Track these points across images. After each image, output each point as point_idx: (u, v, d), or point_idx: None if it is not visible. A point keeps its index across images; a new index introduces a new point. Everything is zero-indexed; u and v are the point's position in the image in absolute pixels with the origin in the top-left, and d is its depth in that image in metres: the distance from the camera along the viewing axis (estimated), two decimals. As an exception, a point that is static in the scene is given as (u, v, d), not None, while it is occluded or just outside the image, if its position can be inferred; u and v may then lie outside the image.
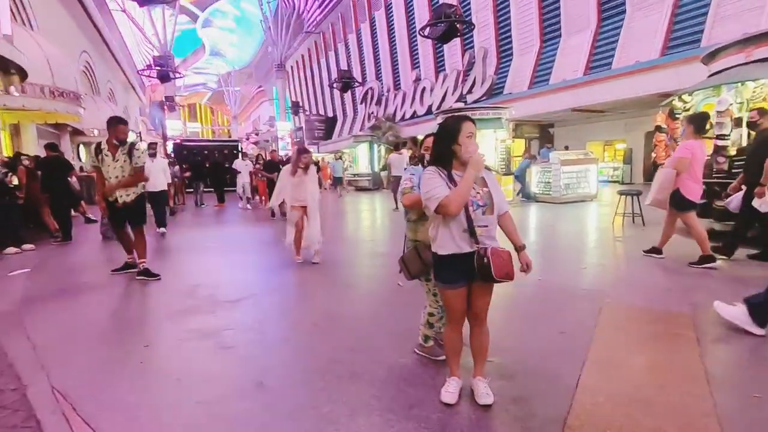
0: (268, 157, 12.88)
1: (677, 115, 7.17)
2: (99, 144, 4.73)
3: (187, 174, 14.18)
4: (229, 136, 56.84)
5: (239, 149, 21.96)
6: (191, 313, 3.70)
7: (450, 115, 2.16)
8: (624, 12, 14.16)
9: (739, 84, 5.95)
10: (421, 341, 2.77)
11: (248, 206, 12.62)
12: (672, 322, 3.20)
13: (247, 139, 39.23)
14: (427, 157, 2.63)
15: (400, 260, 2.66)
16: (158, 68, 21.20)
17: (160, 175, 8.03)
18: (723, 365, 2.56)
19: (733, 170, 5.66)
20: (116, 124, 4.68)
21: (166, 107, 29.44)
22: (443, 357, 2.66)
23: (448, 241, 2.06)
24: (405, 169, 2.75)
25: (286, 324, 3.41)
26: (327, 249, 6.08)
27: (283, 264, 5.66)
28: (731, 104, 5.97)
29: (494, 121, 11.31)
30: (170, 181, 8.62)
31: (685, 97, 6.85)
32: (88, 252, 6.88)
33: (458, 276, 2.10)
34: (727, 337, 2.94)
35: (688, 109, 6.96)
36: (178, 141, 23.12)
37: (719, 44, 6.55)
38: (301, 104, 38.02)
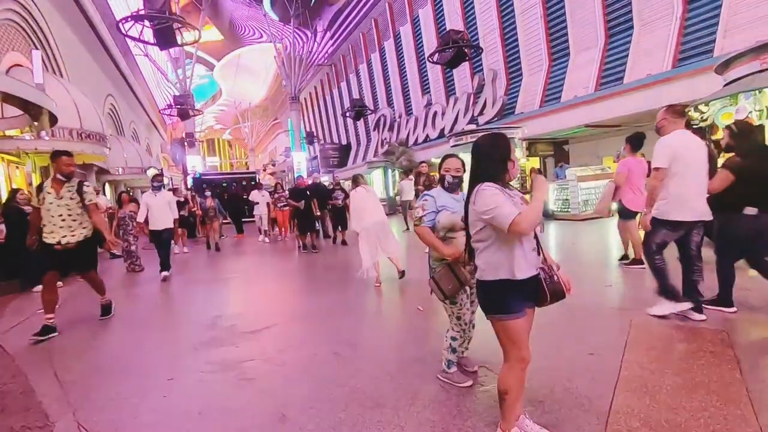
0: (286, 186, 12.59)
1: (694, 126, 7.06)
2: (41, 183, 4.34)
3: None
4: (247, 168, 58.25)
5: (257, 180, 22.39)
6: (213, 344, 3.71)
7: (491, 133, 2.05)
8: (632, 27, 14.21)
9: (757, 92, 5.85)
10: (444, 367, 2.70)
11: (266, 239, 11.97)
12: (707, 340, 3.06)
13: (264, 170, 40.10)
14: (449, 178, 2.63)
15: (431, 280, 2.54)
16: (178, 107, 22.08)
17: (165, 211, 7.09)
18: (767, 384, 2.41)
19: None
20: (59, 156, 4.23)
21: (186, 143, 30.46)
22: (468, 383, 2.59)
23: (523, 263, 1.89)
24: (423, 194, 2.72)
25: (307, 353, 3.38)
26: (344, 275, 6.08)
27: (302, 293, 5.68)
28: (750, 112, 5.86)
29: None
30: (177, 217, 7.40)
31: (701, 107, 6.76)
32: (112, 287, 7.03)
33: (523, 302, 1.94)
34: (768, 354, 2.78)
35: (705, 119, 6.85)
36: (197, 175, 23.79)
37: (732, 53, 6.49)
38: (315, 134, 38.89)
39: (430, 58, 15.49)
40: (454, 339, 2.63)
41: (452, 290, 2.45)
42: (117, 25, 12.50)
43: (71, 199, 4.23)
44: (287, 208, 11.21)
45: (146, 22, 11.30)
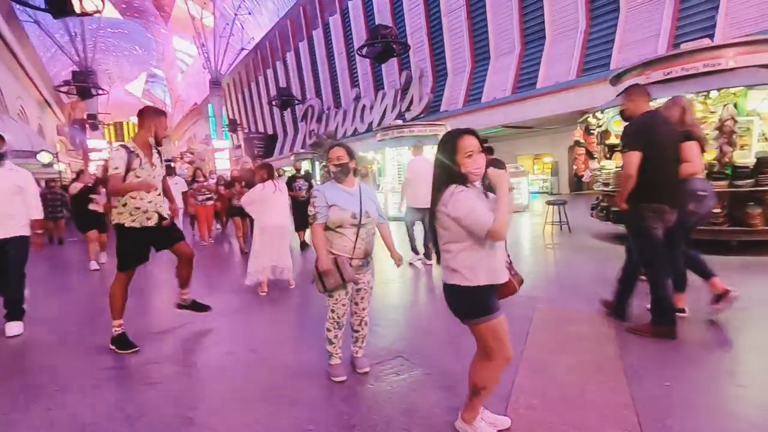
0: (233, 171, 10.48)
1: (592, 131, 7.87)
2: (125, 147, 3.07)
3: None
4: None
5: (172, 168, 20.65)
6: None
7: (453, 129, 1.92)
8: (544, 37, 15.41)
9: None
10: (328, 360, 2.73)
11: None
12: (595, 323, 3.44)
13: (181, 158, 37.27)
14: (332, 167, 2.57)
15: (315, 270, 2.51)
16: (78, 84, 19.69)
17: (12, 202, 3.79)
18: (637, 359, 2.78)
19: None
20: (158, 115, 3.17)
21: (88, 126, 27.28)
22: (341, 379, 2.63)
23: (501, 266, 1.88)
24: (314, 189, 2.60)
25: (222, 352, 3.22)
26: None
27: (220, 290, 5.39)
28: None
29: (431, 138, 11.71)
30: (39, 218, 4.01)
31: (598, 114, 7.54)
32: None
33: (496, 298, 1.91)
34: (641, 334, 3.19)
35: (601, 125, 7.65)
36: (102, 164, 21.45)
37: (623, 68, 7.32)
38: (239, 122, 37.01)
39: (359, 51, 15.47)
40: (328, 330, 2.68)
41: (333, 285, 2.48)
42: (-3, -16, 10.70)
43: (162, 169, 3.34)
44: (211, 202, 9.35)
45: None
